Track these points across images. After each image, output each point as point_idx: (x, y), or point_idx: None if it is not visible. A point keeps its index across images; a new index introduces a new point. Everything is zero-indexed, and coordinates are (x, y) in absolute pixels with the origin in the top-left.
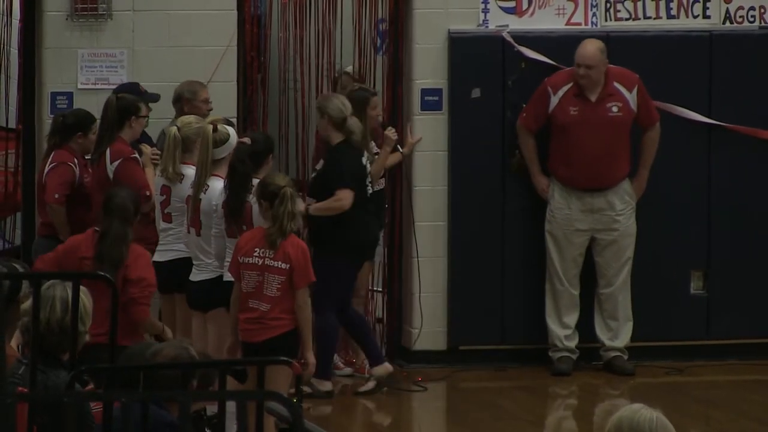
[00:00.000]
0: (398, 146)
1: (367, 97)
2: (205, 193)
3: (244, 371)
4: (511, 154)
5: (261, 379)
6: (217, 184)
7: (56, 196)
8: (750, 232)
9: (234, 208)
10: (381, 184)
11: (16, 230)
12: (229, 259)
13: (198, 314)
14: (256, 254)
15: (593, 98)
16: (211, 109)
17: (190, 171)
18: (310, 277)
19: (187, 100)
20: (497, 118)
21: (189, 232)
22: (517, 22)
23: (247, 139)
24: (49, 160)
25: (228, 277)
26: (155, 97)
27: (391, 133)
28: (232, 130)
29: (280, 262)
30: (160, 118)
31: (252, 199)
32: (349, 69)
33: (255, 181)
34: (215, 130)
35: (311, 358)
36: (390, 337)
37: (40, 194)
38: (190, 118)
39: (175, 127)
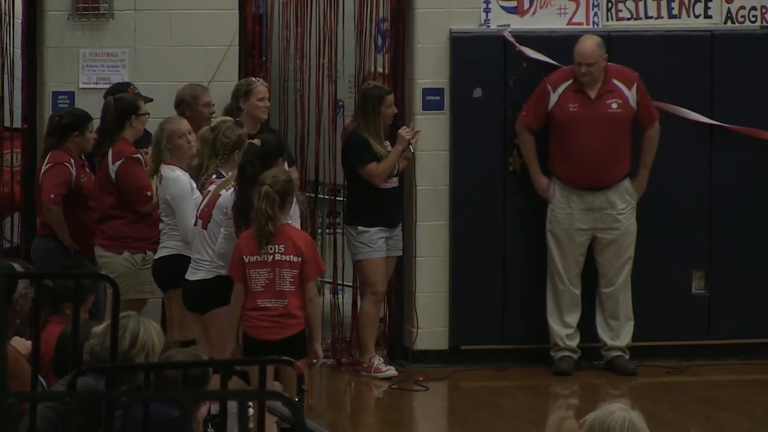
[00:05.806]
0: (410, 146)
1: (381, 95)
2: (226, 191)
3: (247, 372)
4: (510, 153)
5: (262, 379)
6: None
7: (52, 196)
8: (751, 232)
9: (242, 210)
10: (395, 182)
11: (15, 229)
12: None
13: (195, 315)
14: (263, 251)
15: (593, 95)
16: (213, 113)
17: (170, 173)
18: (321, 267)
19: (189, 104)
20: (499, 118)
21: (195, 224)
22: (519, 22)
23: (257, 141)
24: (46, 160)
25: None
26: (147, 100)
27: (404, 132)
28: (243, 132)
29: (291, 256)
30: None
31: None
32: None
33: None
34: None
35: (319, 351)
36: (391, 337)
37: (37, 194)
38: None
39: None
